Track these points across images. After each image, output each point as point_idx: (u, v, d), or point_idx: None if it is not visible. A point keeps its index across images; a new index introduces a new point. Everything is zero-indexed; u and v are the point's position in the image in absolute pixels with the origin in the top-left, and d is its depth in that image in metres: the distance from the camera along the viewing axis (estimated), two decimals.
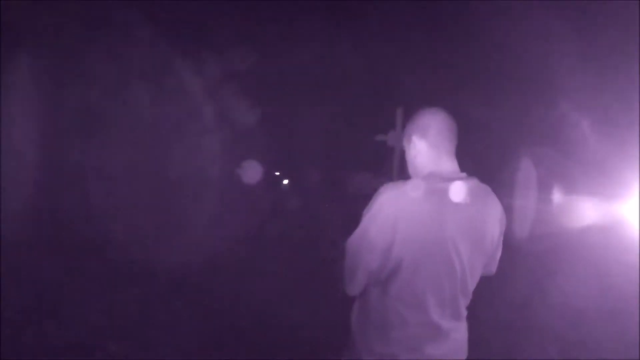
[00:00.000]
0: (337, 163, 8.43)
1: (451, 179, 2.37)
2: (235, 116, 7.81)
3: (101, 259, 6.27)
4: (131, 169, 7.14)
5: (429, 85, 7.92)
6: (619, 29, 5.88)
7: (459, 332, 2.50)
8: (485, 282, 2.61)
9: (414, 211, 2.24)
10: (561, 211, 6.35)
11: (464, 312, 2.49)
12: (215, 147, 7.65)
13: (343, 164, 8.44)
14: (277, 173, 8.50)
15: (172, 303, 5.77)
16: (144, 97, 7.36)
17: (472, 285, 2.46)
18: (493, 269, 2.62)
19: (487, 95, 7.27)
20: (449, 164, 2.45)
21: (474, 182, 2.42)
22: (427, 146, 2.45)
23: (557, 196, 6.47)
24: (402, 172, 8.07)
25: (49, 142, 6.85)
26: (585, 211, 5.96)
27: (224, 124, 7.77)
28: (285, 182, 8.63)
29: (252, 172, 7.84)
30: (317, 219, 8.18)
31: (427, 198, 2.27)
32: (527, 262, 5.69)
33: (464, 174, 2.43)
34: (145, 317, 5.47)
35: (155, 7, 7.31)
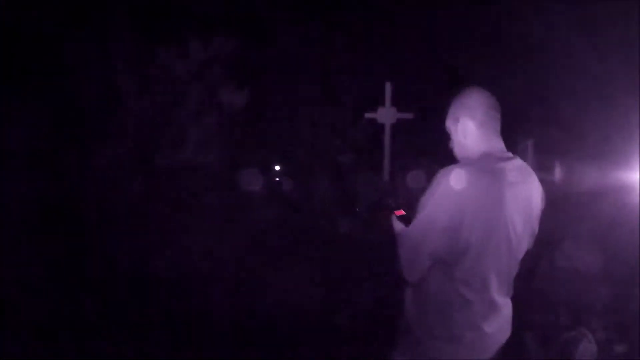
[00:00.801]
0: (327, 143, 8.37)
1: (504, 159, 2.35)
2: (221, 101, 7.71)
3: (104, 262, 6.15)
4: (126, 167, 7.01)
5: (417, 60, 7.90)
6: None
7: (508, 307, 2.49)
8: None
9: (479, 194, 2.21)
10: (565, 181, 6.39)
11: (512, 288, 2.49)
12: (203, 133, 7.54)
13: (333, 144, 8.38)
14: (277, 179, 8.45)
15: (177, 305, 5.69)
16: (130, 88, 7.23)
17: (520, 258, 2.46)
18: (531, 244, 2.62)
19: (480, 69, 7.26)
20: (498, 143, 2.42)
21: (519, 160, 2.41)
22: (476, 126, 2.40)
23: (558, 167, 6.51)
24: (393, 148, 8.10)
25: (36, 143, 6.69)
26: (589, 180, 6.00)
27: (211, 110, 7.66)
28: (277, 179, 8.61)
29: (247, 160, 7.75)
30: (312, 201, 8.14)
31: (489, 179, 2.25)
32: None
33: (510, 154, 2.42)
34: (149, 320, 5.41)
35: None
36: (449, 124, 2.51)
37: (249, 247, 6.67)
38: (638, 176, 5.16)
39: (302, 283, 5.96)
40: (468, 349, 2.35)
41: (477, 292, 2.31)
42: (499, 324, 2.43)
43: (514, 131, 7.36)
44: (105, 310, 5.42)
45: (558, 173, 6.54)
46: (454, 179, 2.23)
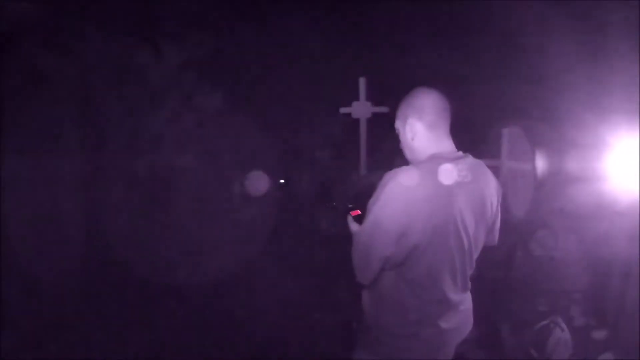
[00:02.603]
0: (303, 140, 8.37)
1: (452, 159, 2.38)
2: (197, 103, 7.69)
3: (104, 271, 6.15)
4: (104, 172, 6.99)
5: (392, 53, 7.87)
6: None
7: (466, 303, 2.54)
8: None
9: (425, 196, 2.24)
10: (542, 170, 6.43)
11: (469, 284, 2.53)
12: (182, 137, 7.53)
13: (309, 140, 8.38)
14: (282, 181, 8.42)
15: (179, 315, 5.70)
16: (116, 102, 7.21)
17: (476, 256, 2.49)
18: (495, 239, 2.66)
19: (455, 61, 7.26)
20: (448, 144, 2.47)
21: (471, 159, 2.44)
22: (425, 128, 2.44)
23: (539, 156, 6.55)
24: (369, 144, 8.09)
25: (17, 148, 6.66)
26: (566, 169, 6.05)
27: (188, 113, 7.65)
28: (282, 181, 8.60)
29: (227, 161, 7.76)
30: (289, 199, 8.16)
31: (435, 181, 2.29)
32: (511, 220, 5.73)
33: (460, 153, 2.44)
34: (152, 330, 5.41)
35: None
36: (398, 125, 2.53)
37: (226, 244, 6.66)
38: (614, 162, 5.20)
39: (278, 279, 5.98)
40: (425, 345, 2.39)
41: (429, 291, 2.34)
42: (457, 320, 2.47)
43: (494, 121, 7.42)
44: (101, 317, 5.44)
45: (537, 162, 6.55)
46: (399, 182, 2.25)
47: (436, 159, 2.36)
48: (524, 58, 6.90)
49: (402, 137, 2.53)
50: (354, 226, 2.58)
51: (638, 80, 5.09)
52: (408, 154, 2.53)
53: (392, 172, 2.33)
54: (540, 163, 6.47)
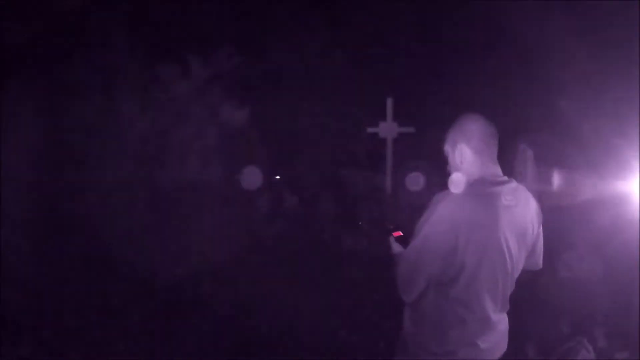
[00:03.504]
0: (330, 158, 8.43)
1: (499, 183, 2.46)
2: (223, 118, 7.78)
3: (101, 271, 6.19)
4: (127, 181, 7.08)
5: (418, 74, 7.95)
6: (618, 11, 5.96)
7: (503, 323, 2.60)
8: None
9: (473, 217, 2.33)
10: (563, 191, 6.45)
11: (508, 305, 2.59)
12: (206, 150, 7.61)
13: (336, 159, 8.44)
14: (277, 177, 8.41)
15: (176, 313, 5.72)
16: (132, 107, 7.31)
17: (516, 277, 2.55)
18: (540, 263, 2.73)
19: (480, 82, 7.32)
20: (494, 169, 2.54)
21: (514, 183, 2.52)
22: (473, 152, 2.52)
23: (558, 176, 6.57)
24: (395, 163, 8.17)
25: (38, 162, 6.75)
26: (587, 190, 6.06)
27: (213, 127, 7.73)
28: (277, 177, 8.59)
29: (250, 176, 7.80)
30: (315, 216, 8.19)
31: (483, 203, 2.37)
32: None
33: (506, 177, 2.52)
34: (149, 328, 5.44)
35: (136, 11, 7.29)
36: (447, 148, 2.64)
37: (250, 261, 6.70)
38: (637, 184, 5.23)
39: (304, 298, 6.01)
40: None
41: (472, 310, 2.42)
42: (494, 340, 2.54)
43: (514, 140, 7.46)
44: (110, 325, 5.50)
45: (557, 181, 6.58)
46: (448, 204, 2.36)
47: (483, 183, 2.46)
48: (550, 77, 6.96)
49: (450, 160, 2.62)
50: (395, 247, 2.67)
51: None
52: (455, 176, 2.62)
53: (441, 194, 2.43)
54: (564, 183, 6.51)
